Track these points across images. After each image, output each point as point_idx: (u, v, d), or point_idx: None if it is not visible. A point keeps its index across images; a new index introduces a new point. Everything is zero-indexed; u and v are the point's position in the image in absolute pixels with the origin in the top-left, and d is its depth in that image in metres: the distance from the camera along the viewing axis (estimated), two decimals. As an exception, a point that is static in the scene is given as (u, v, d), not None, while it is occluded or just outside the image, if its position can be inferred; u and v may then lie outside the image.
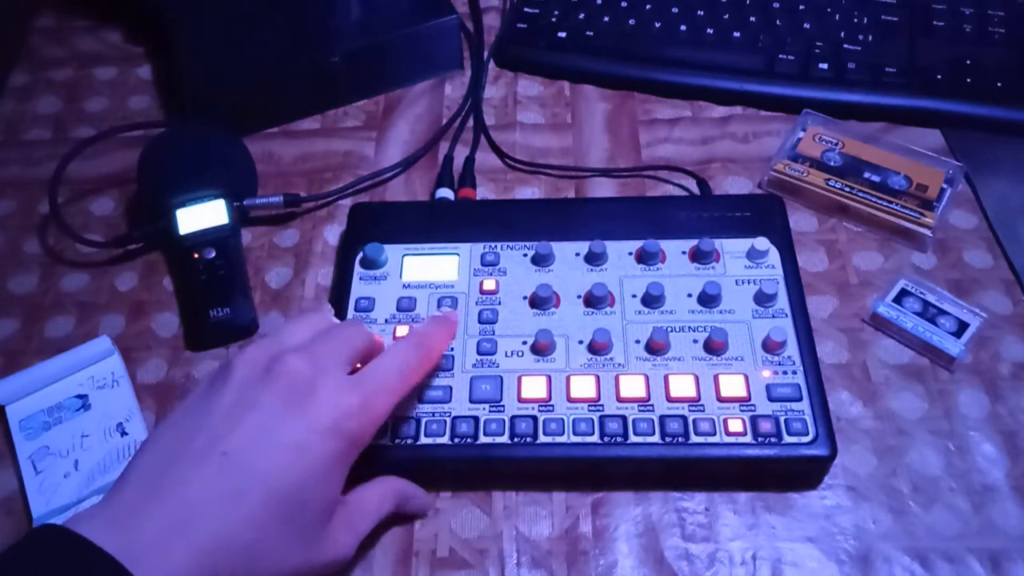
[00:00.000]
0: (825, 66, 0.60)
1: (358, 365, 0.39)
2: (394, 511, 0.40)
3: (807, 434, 0.42)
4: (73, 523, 0.31)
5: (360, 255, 0.50)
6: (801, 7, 0.63)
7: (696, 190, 0.55)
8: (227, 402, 0.35)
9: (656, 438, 0.42)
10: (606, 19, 0.64)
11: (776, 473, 0.43)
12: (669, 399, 0.43)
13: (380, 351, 0.41)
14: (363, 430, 0.36)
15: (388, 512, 0.39)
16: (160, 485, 0.33)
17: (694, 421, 0.42)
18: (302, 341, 0.38)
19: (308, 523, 0.35)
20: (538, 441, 0.42)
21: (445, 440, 0.43)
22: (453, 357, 0.45)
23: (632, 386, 0.44)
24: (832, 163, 0.55)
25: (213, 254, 0.51)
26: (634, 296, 0.47)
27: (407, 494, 0.41)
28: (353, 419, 0.36)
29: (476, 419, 0.43)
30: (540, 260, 0.49)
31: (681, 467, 0.43)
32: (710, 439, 0.42)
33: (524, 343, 0.46)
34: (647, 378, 0.44)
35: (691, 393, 0.43)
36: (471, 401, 0.44)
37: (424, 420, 0.43)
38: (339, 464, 0.36)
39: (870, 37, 0.61)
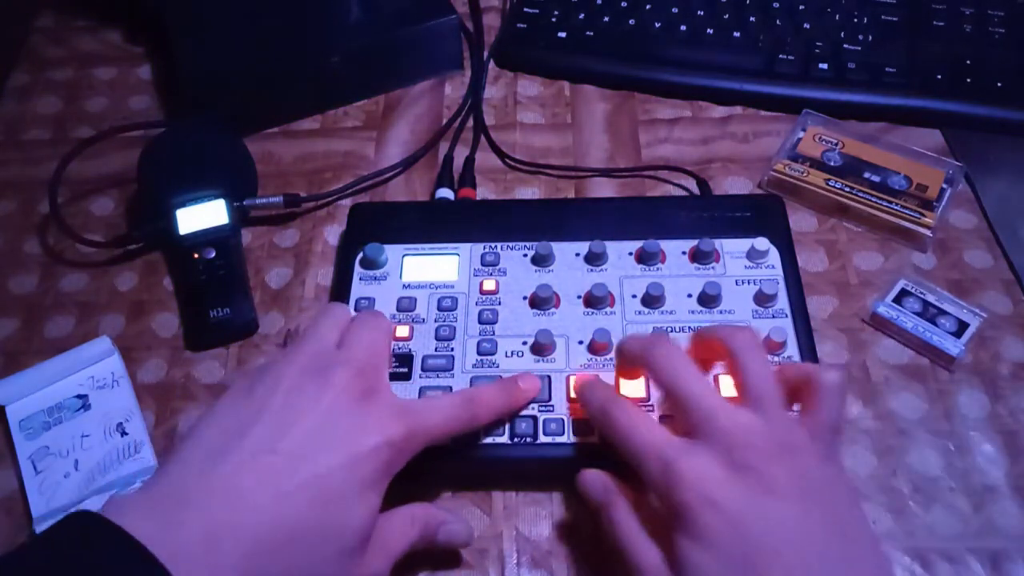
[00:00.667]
0: (825, 66, 0.60)
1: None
2: (427, 537, 0.39)
3: (807, 434, 0.42)
4: (114, 511, 0.31)
5: (360, 255, 0.50)
6: (801, 7, 0.63)
7: (696, 190, 0.55)
8: (278, 403, 0.35)
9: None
10: (606, 19, 0.64)
11: (776, 473, 0.43)
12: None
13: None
14: (402, 456, 0.37)
15: (418, 535, 0.38)
16: (208, 479, 0.32)
17: (694, 421, 0.42)
18: (333, 342, 0.39)
19: (350, 538, 0.34)
20: (538, 441, 0.42)
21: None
22: (453, 358, 0.45)
23: (632, 386, 0.44)
24: (832, 163, 0.55)
25: (213, 254, 0.51)
26: (634, 296, 0.47)
27: (438, 519, 0.39)
28: (397, 444, 0.36)
29: (476, 419, 0.43)
30: (540, 260, 0.49)
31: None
32: (710, 439, 0.42)
33: (524, 343, 0.46)
34: (647, 378, 0.44)
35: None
36: (471, 401, 0.44)
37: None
38: (380, 480, 0.36)
39: (870, 37, 0.61)
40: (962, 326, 0.47)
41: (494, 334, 0.46)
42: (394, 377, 0.45)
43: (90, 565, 0.29)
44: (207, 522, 0.31)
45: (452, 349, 0.46)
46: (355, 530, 0.34)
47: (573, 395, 0.43)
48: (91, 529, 0.30)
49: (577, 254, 0.49)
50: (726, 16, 0.63)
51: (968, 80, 0.58)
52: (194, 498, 0.32)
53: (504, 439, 0.42)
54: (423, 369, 0.45)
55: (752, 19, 0.63)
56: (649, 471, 0.35)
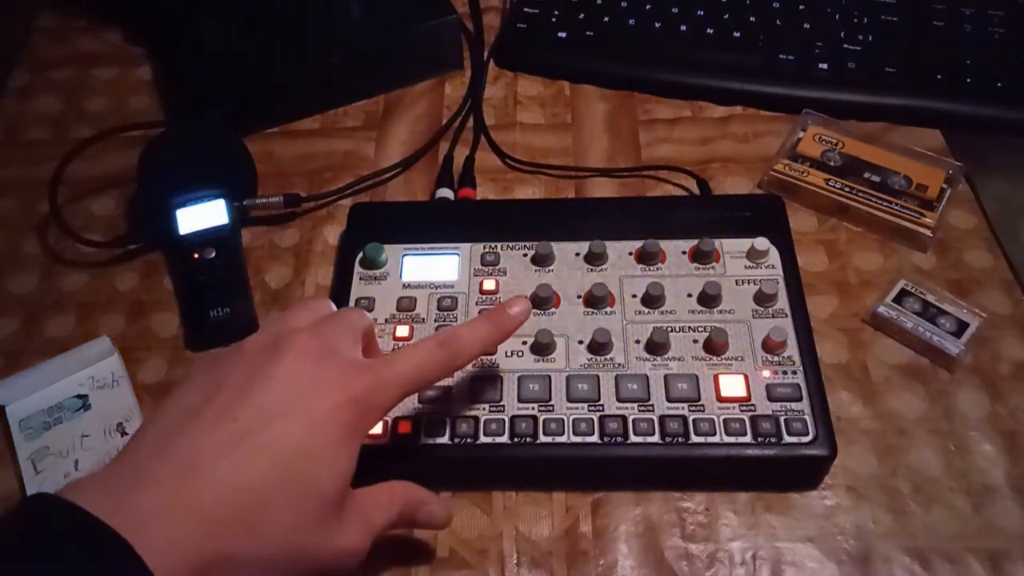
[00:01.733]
0: (825, 66, 0.60)
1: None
2: (407, 515, 0.38)
3: (807, 434, 0.42)
4: (69, 491, 0.30)
5: (360, 255, 0.50)
6: (801, 7, 0.63)
7: (696, 190, 0.55)
8: (238, 374, 0.35)
9: (656, 438, 0.42)
10: (606, 19, 0.64)
11: (776, 473, 0.43)
12: (669, 399, 0.43)
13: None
14: (369, 412, 0.36)
15: (399, 512, 0.38)
16: (165, 451, 0.32)
17: (694, 421, 0.42)
18: (308, 323, 0.38)
19: (318, 501, 0.33)
20: (538, 441, 0.42)
21: (445, 440, 0.43)
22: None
23: (633, 386, 0.44)
24: (832, 163, 0.55)
25: (213, 254, 0.51)
26: (634, 296, 0.47)
27: (419, 498, 0.39)
28: (361, 399, 0.35)
29: (476, 419, 0.43)
30: (540, 260, 0.49)
31: (681, 467, 0.43)
32: (710, 439, 0.42)
33: (524, 343, 0.46)
34: (647, 378, 0.44)
35: (691, 393, 0.43)
36: (471, 401, 0.44)
37: (424, 420, 0.43)
38: (348, 439, 0.35)
39: (870, 37, 0.61)
40: (962, 326, 0.47)
41: (494, 334, 0.46)
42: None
43: (49, 543, 0.29)
44: (167, 493, 0.31)
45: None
46: (324, 493, 0.34)
47: (574, 395, 0.43)
48: (48, 509, 0.30)
49: (577, 254, 0.49)
50: (726, 16, 0.63)
51: (968, 80, 0.58)
52: (153, 471, 0.31)
53: (504, 439, 0.42)
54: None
55: (752, 19, 0.63)
56: None
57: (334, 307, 0.41)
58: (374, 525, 0.36)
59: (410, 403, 0.44)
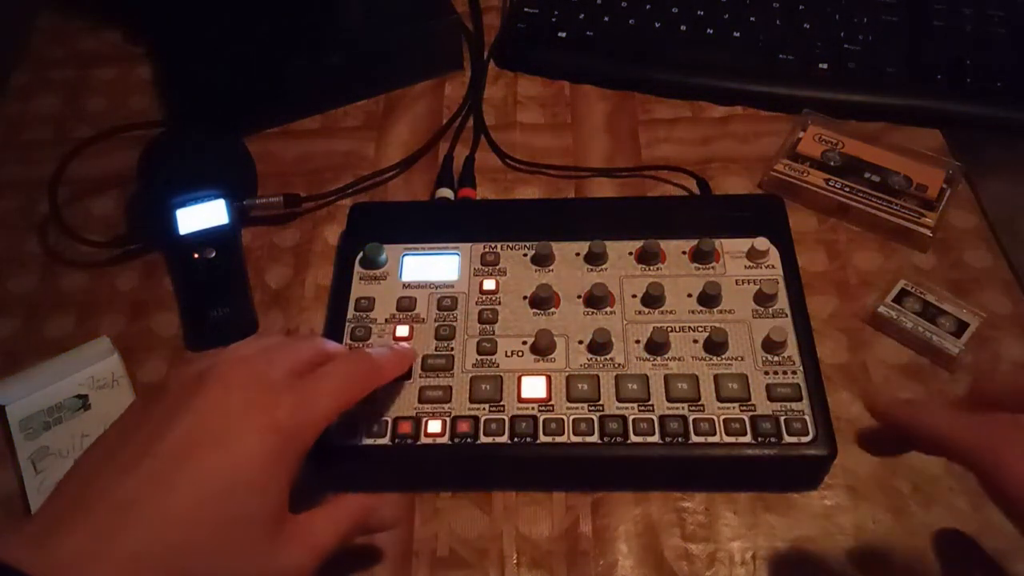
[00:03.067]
0: (825, 66, 0.60)
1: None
2: (359, 526, 0.38)
3: (807, 434, 0.42)
4: None
5: (360, 255, 0.50)
6: (801, 7, 0.63)
7: (696, 190, 0.55)
8: (158, 410, 0.34)
9: (656, 438, 0.42)
10: (606, 19, 0.64)
11: (776, 473, 0.43)
12: (669, 399, 0.43)
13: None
14: (299, 430, 0.35)
15: (349, 526, 0.37)
16: (86, 494, 0.31)
17: (694, 421, 0.42)
18: (244, 354, 0.37)
19: (249, 529, 0.33)
20: (538, 441, 0.42)
21: (445, 440, 0.43)
22: (453, 357, 0.45)
23: (633, 386, 0.44)
24: (832, 163, 0.55)
25: (213, 254, 0.51)
26: (634, 296, 0.47)
27: (368, 505, 0.38)
28: (285, 423, 0.34)
29: (476, 419, 0.43)
30: (540, 260, 0.49)
31: (681, 467, 0.43)
32: (710, 439, 0.42)
33: (524, 343, 0.46)
34: (647, 378, 0.44)
35: (691, 393, 0.43)
36: (471, 401, 0.44)
37: (424, 420, 0.43)
38: (275, 465, 0.34)
39: (870, 37, 0.61)
40: (962, 326, 0.47)
41: (494, 334, 0.46)
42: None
43: None
44: (89, 537, 0.30)
45: (452, 349, 0.46)
46: (255, 520, 0.33)
47: (573, 395, 0.44)
48: None
49: (577, 254, 0.49)
50: (726, 16, 0.63)
51: (968, 80, 0.58)
52: (75, 516, 0.31)
53: (504, 439, 0.42)
54: (423, 369, 0.45)
55: (752, 19, 0.63)
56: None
57: (286, 338, 0.40)
58: (319, 545, 0.35)
59: (410, 403, 0.44)
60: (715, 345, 0.44)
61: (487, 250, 0.50)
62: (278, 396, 0.35)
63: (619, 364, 0.45)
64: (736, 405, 0.43)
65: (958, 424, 0.32)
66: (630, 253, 0.49)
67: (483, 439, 0.42)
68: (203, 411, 0.33)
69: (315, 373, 0.37)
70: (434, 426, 0.43)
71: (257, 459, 0.33)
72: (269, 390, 0.35)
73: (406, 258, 0.50)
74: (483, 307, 0.47)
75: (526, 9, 0.65)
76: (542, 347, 0.45)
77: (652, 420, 0.42)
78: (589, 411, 0.43)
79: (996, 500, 0.30)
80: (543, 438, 0.42)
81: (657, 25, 0.63)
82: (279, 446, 0.34)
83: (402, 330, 0.47)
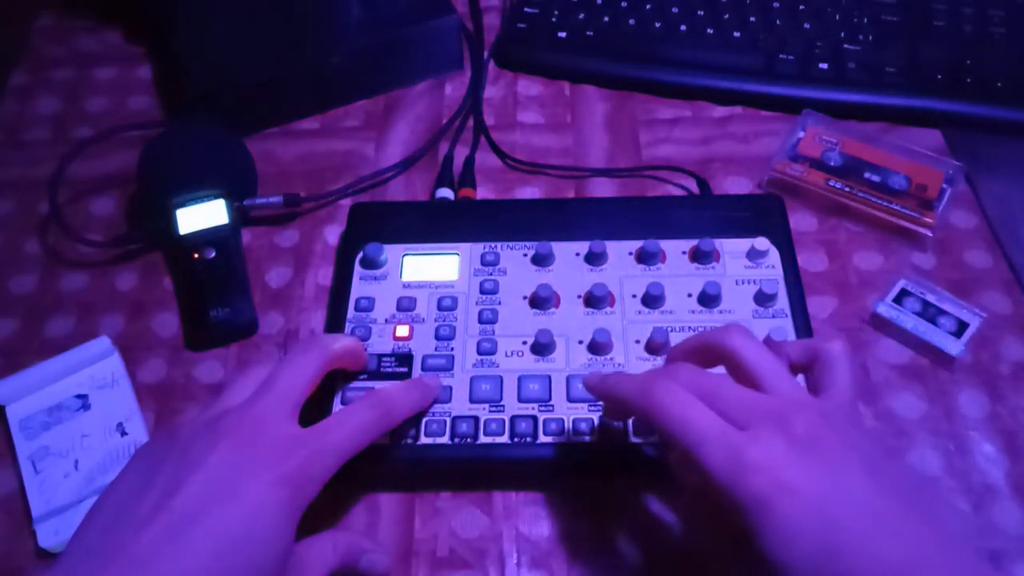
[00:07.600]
0: (825, 66, 0.60)
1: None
2: (349, 563, 0.39)
3: (807, 434, 0.42)
4: None
5: (360, 255, 0.50)
6: (801, 7, 0.63)
7: (696, 190, 0.55)
8: (171, 464, 0.35)
9: (656, 437, 0.42)
10: (606, 19, 0.64)
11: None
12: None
13: (353, 354, 0.43)
14: (308, 481, 0.36)
15: (339, 562, 0.38)
16: (103, 550, 0.32)
17: (694, 421, 0.42)
18: (245, 397, 0.38)
19: (261, 574, 0.34)
20: (538, 441, 0.42)
21: (445, 440, 0.43)
22: (453, 357, 0.45)
23: (632, 386, 0.44)
24: (832, 163, 0.55)
25: (213, 254, 0.51)
26: (634, 296, 0.47)
27: (361, 547, 0.39)
28: (294, 475, 0.35)
29: (476, 419, 0.43)
30: (540, 260, 0.49)
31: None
32: (710, 439, 0.42)
33: (524, 343, 0.46)
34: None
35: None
36: (471, 401, 0.44)
37: (424, 420, 0.43)
38: (286, 516, 0.35)
39: (870, 37, 0.61)
40: (962, 326, 0.47)
41: (494, 334, 0.46)
42: (394, 377, 0.45)
43: None
44: None
45: (452, 349, 0.46)
46: (267, 569, 0.34)
47: (574, 395, 0.44)
48: None
49: (577, 254, 0.49)
50: (726, 16, 0.63)
51: (968, 80, 0.58)
52: (94, 572, 0.32)
53: (504, 439, 0.43)
54: (423, 369, 0.45)
55: (752, 19, 0.63)
56: (712, 460, 0.32)
57: (274, 364, 0.40)
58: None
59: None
60: (715, 345, 0.44)
61: (487, 250, 0.50)
62: (288, 452, 0.36)
63: (619, 364, 0.45)
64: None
65: (630, 383, 0.36)
66: (630, 253, 0.49)
67: (483, 439, 0.43)
68: (216, 468, 0.35)
69: (326, 423, 0.38)
70: (434, 426, 0.43)
71: (269, 511, 0.34)
72: (278, 447, 0.36)
73: (406, 258, 0.50)
74: (483, 307, 0.47)
75: (526, 9, 0.65)
76: (542, 347, 0.45)
77: (652, 420, 0.42)
78: (589, 411, 0.43)
79: (660, 434, 0.36)
80: (543, 438, 0.42)
81: (657, 25, 0.63)
82: (288, 497, 0.35)
83: (402, 330, 0.47)
